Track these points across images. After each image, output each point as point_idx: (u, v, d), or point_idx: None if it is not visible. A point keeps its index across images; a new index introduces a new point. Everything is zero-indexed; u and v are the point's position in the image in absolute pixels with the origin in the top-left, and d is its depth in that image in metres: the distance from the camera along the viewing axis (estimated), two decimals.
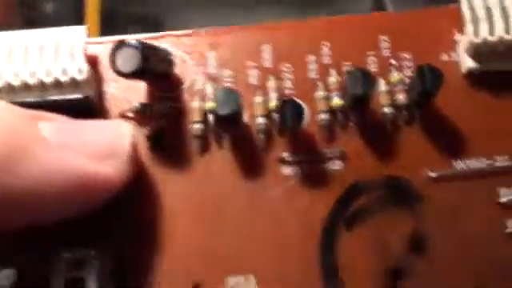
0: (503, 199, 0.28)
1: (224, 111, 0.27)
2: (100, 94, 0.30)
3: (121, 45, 0.27)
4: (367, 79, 0.28)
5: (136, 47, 0.27)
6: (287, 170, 0.29)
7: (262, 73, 0.30)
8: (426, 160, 0.29)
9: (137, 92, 0.30)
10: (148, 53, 0.28)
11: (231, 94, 0.27)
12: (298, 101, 0.28)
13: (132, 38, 0.27)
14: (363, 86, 0.28)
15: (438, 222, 0.28)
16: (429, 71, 0.28)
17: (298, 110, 0.28)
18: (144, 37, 0.30)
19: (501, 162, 0.29)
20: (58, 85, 0.28)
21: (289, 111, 0.27)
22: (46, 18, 0.77)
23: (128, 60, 0.27)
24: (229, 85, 0.30)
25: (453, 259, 0.28)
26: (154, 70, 0.29)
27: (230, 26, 0.32)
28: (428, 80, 0.28)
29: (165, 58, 0.29)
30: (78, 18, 0.78)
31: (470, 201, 0.28)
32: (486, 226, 0.28)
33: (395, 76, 0.30)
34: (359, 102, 0.28)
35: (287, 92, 0.30)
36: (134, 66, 0.27)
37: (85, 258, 0.25)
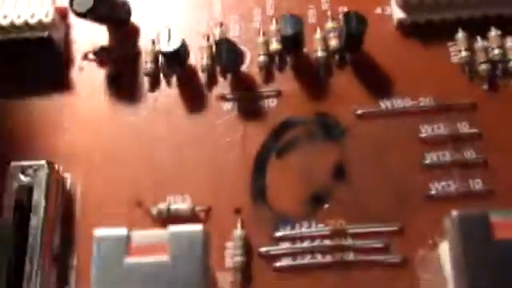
0: (424, 135, 0.30)
1: (169, 48, 0.31)
2: (66, 39, 0.34)
3: None
4: (297, 21, 0.30)
5: None
6: (228, 106, 0.32)
7: (212, 21, 0.34)
8: (354, 99, 0.31)
9: (99, 38, 0.34)
10: None
11: (175, 35, 0.31)
12: (233, 40, 0.31)
13: None
14: (293, 28, 0.30)
15: (362, 155, 0.30)
16: (354, 16, 0.30)
17: (233, 51, 0.31)
18: None
19: (424, 102, 0.31)
20: (29, 27, 0.33)
21: (224, 51, 0.31)
22: None
23: (83, 1, 0.31)
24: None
25: (374, 186, 0.30)
26: (110, 13, 0.32)
27: None
28: (353, 24, 0.30)
29: (121, 5, 0.33)
30: None
31: (394, 136, 0.30)
32: (407, 159, 0.30)
33: (329, 25, 0.32)
34: (291, 44, 0.31)
35: (233, 39, 0.33)
36: (88, 6, 0.31)
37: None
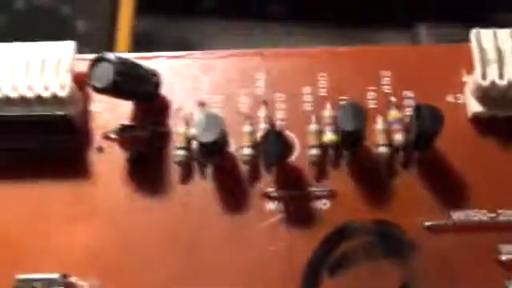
0: (504, 257, 0.26)
1: (205, 138, 0.26)
2: (84, 114, 0.29)
3: (98, 59, 0.26)
4: (360, 115, 0.26)
5: (112, 62, 0.26)
6: (271, 206, 0.27)
7: (253, 101, 0.29)
8: (420, 207, 0.27)
9: (123, 113, 0.29)
10: (125, 69, 0.26)
11: (215, 120, 0.26)
12: (287, 133, 0.26)
13: (115, 54, 0.26)
14: (355, 122, 0.26)
15: (430, 276, 0.26)
16: (428, 111, 0.26)
17: (284, 143, 0.26)
18: (134, 55, 0.29)
19: (504, 216, 0.26)
20: (40, 101, 0.28)
21: (273, 144, 0.26)
22: (78, 37, 0.77)
23: (103, 75, 0.26)
24: (215, 111, 0.28)
25: None
26: (133, 88, 0.27)
27: (228, 50, 0.31)
28: (427, 121, 0.26)
29: (149, 78, 0.28)
30: (109, 40, 0.78)
31: (467, 255, 0.26)
32: (484, 285, 0.25)
33: (393, 114, 0.28)
34: (349, 139, 0.27)
35: (278, 123, 0.28)
36: (108, 80, 0.26)
37: None
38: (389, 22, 0.72)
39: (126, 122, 0.29)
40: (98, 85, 0.26)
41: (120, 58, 0.26)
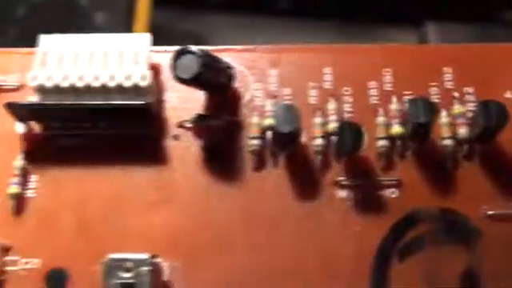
0: None
1: (284, 129, 0.27)
2: (160, 103, 0.30)
3: (182, 51, 0.27)
4: (430, 108, 0.27)
5: (196, 54, 0.27)
6: (342, 194, 0.29)
7: (321, 94, 0.30)
8: (483, 197, 0.28)
9: (196, 103, 0.30)
10: (208, 61, 0.28)
11: (292, 112, 0.27)
12: (359, 124, 0.28)
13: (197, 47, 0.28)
14: (425, 115, 0.27)
15: (492, 263, 0.27)
16: (495, 108, 0.27)
17: (358, 134, 0.27)
18: (205, 49, 0.30)
19: None
20: (120, 90, 0.29)
21: (348, 135, 0.27)
22: (96, 28, 0.78)
23: (188, 66, 0.27)
24: (289, 103, 0.30)
25: None
26: (213, 79, 0.29)
27: (293, 44, 0.32)
28: (493, 117, 0.27)
29: (225, 71, 0.29)
30: (127, 31, 0.79)
31: None
32: None
33: (458, 108, 0.29)
34: (420, 131, 0.28)
35: (346, 116, 0.30)
36: (193, 72, 0.27)
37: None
38: (396, 20, 0.74)
39: (200, 111, 0.30)
40: (183, 76, 0.27)
41: (203, 51, 0.27)
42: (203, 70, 0.27)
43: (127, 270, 0.25)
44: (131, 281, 0.25)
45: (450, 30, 0.73)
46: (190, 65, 0.27)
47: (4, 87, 0.31)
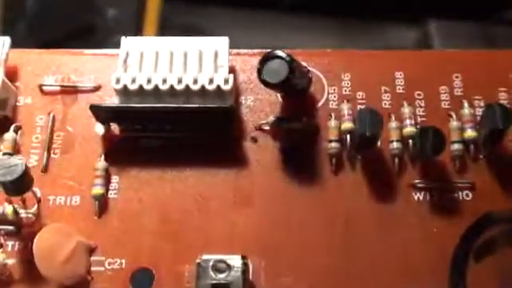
0: None
1: (369, 132, 0.28)
2: (237, 105, 0.31)
3: (270, 55, 0.28)
4: (507, 114, 0.28)
5: (285, 59, 0.28)
6: (418, 196, 0.29)
7: (394, 98, 0.31)
8: None
9: (273, 106, 0.31)
10: (295, 66, 0.28)
11: (376, 116, 0.28)
12: (440, 129, 0.28)
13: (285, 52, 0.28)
14: (503, 121, 0.28)
15: None
16: None
17: (440, 138, 0.28)
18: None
19: None
20: (202, 93, 0.29)
21: (431, 138, 0.28)
22: (106, 24, 0.78)
23: (276, 71, 0.28)
24: (364, 107, 0.30)
25: None
26: (298, 84, 0.29)
27: (364, 50, 0.33)
28: None
29: (305, 74, 0.30)
30: (136, 27, 0.79)
31: None
32: None
33: None
34: (495, 136, 0.29)
35: (420, 120, 0.30)
36: (282, 76, 0.28)
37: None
38: (400, 17, 0.75)
39: (276, 114, 0.30)
40: (271, 80, 0.28)
41: (290, 56, 0.28)
42: (291, 76, 0.27)
43: (218, 271, 0.26)
44: (224, 281, 0.26)
45: (452, 28, 0.74)
46: (279, 70, 0.27)
47: (81, 88, 0.31)
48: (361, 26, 0.75)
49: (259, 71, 0.28)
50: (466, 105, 0.31)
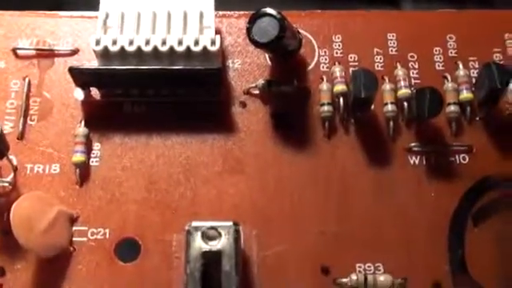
0: None
1: (364, 94, 0.27)
2: (224, 68, 0.29)
3: (260, 14, 0.27)
4: (505, 73, 0.27)
5: (275, 17, 0.26)
6: (415, 160, 0.28)
7: (387, 60, 0.30)
8: None
9: (261, 69, 0.30)
10: (286, 25, 0.27)
11: (370, 77, 0.27)
12: (437, 89, 0.27)
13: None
14: (501, 80, 0.27)
15: None
16: None
17: (437, 99, 0.27)
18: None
19: None
20: (187, 55, 0.28)
21: (427, 99, 0.27)
22: None
23: (266, 29, 0.26)
24: (357, 68, 0.29)
25: None
26: (289, 44, 0.28)
27: (357, 10, 0.31)
28: None
29: (296, 35, 0.29)
30: None
31: None
32: None
33: None
34: (493, 97, 0.28)
35: (414, 82, 0.29)
36: (273, 35, 0.26)
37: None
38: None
39: (265, 78, 0.29)
40: (261, 39, 0.26)
41: (281, 14, 0.26)
42: (282, 35, 0.26)
43: (209, 238, 0.25)
44: (216, 249, 0.24)
45: (428, 7, 0.74)
46: (269, 28, 0.26)
47: (58, 52, 0.29)
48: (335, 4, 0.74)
49: (248, 30, 0.26)
50: (460, 66, 0.30)
